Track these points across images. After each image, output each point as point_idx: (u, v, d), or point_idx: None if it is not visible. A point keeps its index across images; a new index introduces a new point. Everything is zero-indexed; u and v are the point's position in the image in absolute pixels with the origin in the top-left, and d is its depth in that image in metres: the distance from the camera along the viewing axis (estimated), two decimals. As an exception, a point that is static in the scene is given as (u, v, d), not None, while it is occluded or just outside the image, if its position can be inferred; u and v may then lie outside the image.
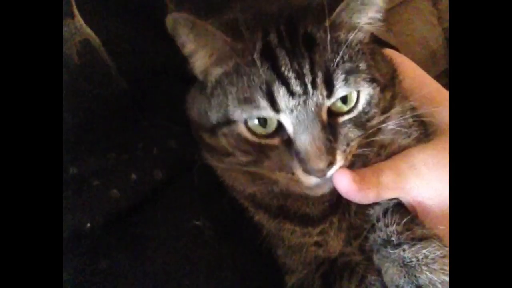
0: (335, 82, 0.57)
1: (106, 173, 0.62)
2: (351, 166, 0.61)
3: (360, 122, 0.60)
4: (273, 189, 0.65)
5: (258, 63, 0.57)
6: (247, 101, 0.57)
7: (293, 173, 0.59)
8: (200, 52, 0.60)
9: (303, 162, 0.57)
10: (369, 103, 0.60)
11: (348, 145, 0.59)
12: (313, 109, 0.57)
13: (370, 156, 0.63)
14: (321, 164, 0.57)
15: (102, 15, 0.65)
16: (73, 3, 0.61)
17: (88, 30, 0.62)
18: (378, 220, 0.63)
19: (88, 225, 0.59)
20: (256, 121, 0.58)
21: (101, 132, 0.63)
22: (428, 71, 0.80)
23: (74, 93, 0.61)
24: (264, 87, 0.56)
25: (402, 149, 0.65)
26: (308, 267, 0.68)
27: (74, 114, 0.61)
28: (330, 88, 0.57)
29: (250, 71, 0.57)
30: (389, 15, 0.71)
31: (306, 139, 0.57)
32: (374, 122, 0.61)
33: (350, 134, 0.59)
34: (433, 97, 0.68)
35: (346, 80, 0.57)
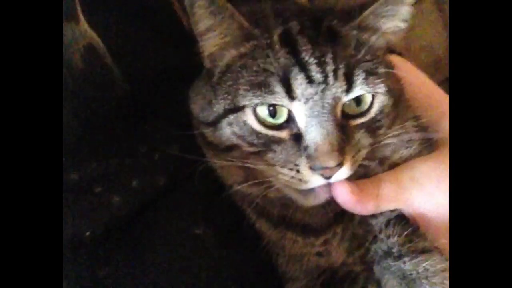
0: (355, 78, 0.57)
1: (107, 179, 0.62)
2: (352, 176, 0.61)
3: (371, 129, 0.60)
4: (266, 192, 0.63)
5: (277, 47, 0.56)
6: (260, 85, 0.56)
7: (297, 170, 0.57)
8: (215, 31, 0.59)
9: (311, 157, 0.56)
10: (381, 111, 0.60)
11: (358, 151, 0.59)
12: (330, 101, 0.56)
13: (371, 167, 0.64)
14: (331, 162, 0.56)
15: (107, 19, 0.65)
16: (78, 7, 0.61)
17: (92, 34, 0.63)
18: (380, 231, 0.63)
19: (88, 233, 0.59)
20: (265, 110, 0.57)
21: (103, 137, 0.63)
22: (431, 77, 0.80)
23: (77, 97, 0.61)
24: (280, 72, 0.55)
25: (404, 160, 0.65)
26: (309, 276, 0.69)
27: (76, 118, 0.61)
28: (349, 83, 0.56)
29: (267, 54, 0.56)
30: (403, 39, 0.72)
31: (318, 133, 0.56)
32: (382, 131, 0.61)
33: (362, 141, 0.59)
34: (437, 106, 0.69)
35: (366, 79, 0.57)
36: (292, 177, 0.58)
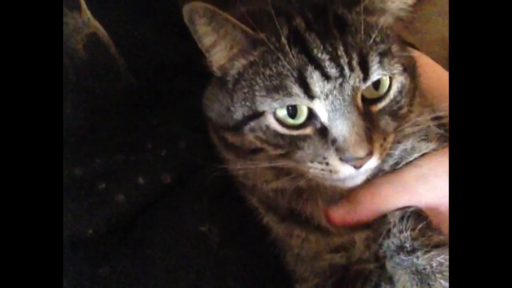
0: (370, 64, 0.56)
1: (112, 175, 0.61)
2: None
3: (393, 112, 0.60)
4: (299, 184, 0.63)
5: (287, 48, 0.56)
6: (277, 89, 0.56)
7: (327, 163, 0.57)
8: (221, 45, 0.59)
9: (340, 150, 0.56)
10: (400, 91, 0.60)
11: (385, 138, 0.58)
12: (349, 93, 0.56)
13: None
14: (361, 152, 0.55)
15: (111, 9, 0.65)
16: None
17: (96, 23, 0.62)
18: (394, 226, 0.62)
19: (90, 231, 0.58)
20: (285, 111, 0.57)
21: (108, 131, 0.62)
22: (446, 70, 0.78)
23: (80, 89, 0.61)
24: (295, 72, 0.55)
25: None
26: (320, 275, 0.67)
27: (79, 111, 0.60)
28: (365, 71, 0.56)
29: (278, 57, 0.56)
30: (412, 15, 0.70)
31: (344, 125, 0.55)
32: (404, 111, 0.61)
33: (387, 127, 0.59)
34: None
35: (381, 63, 0.57)
36: (323, 170, 0.58)
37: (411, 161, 0.64)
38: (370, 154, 0.56)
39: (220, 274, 0.63)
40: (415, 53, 0.74)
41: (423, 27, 0.86)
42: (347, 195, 0.64)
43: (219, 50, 0.59)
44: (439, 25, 1.12)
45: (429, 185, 0.61)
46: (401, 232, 0.61)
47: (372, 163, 0.57)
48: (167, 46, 0.68)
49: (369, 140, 0.55)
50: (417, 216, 0.62)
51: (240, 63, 0.59)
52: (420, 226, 0.60)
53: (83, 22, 0.61)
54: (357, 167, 0.57)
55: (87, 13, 0.61)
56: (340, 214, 0.62)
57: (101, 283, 0.57)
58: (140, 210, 0.62)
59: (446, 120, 0.67)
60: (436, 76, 0.74)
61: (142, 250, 0.60)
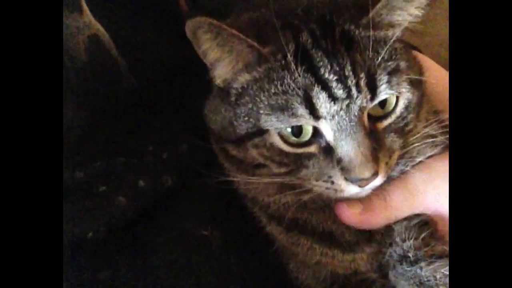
0: (378, 84, 0.55)
1: (113, 178, 0.61)
2: None
3: (399, 128, 0.58)
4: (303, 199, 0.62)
5: (293, 66, 0.54)
6: (282, 108, 0.54)
7: (332, 182, 0.56)
8: (225, 60, 0.57)
9: (345, 170, 0.55)
10: (406, 107, 0.58)
11: (390, 156, 0.57)
12: (356, 113, 0.54)
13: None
14: (367, 173, 0.54)
15: (112, 10, 0.64)
16: None
17: (97, 25, 0.62)
18: (397, 234, 0.61)
19: (90, 234, 0.58)
20: (289, 129, 0.56)
21: (109, 133, 0.62)
22: (451, 74, 0.77)
23: (81, 91, 0.60)
24: (301, 92, 0.53)
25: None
26: (323, 284, 0.67)
27: (80, 113, 0.60)
28: (373, 91, 0.55)
29: (284, 75, 0.54)
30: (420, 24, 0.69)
31: (350, 146, 0.54)
32: (411, 127, 0.60)
33: (393, 144, 0.58)
34: None
35: (389, 82, 0.55)
36: (327, 188, 0.57)
37: (418, 163, 0.62)
38: (375, 174, 0.55)
39: (222, 279, 0.62)
40: (419, 56, 0.73)
41: (427, 30, 0.85)
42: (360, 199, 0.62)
43: (224, 65, 0.58)
44: (443, 27, 1.11)
45: (437, 190, 0.60)
46: (403, 241, 0.60)
47: (377, 181, 0.56)
48: (168, 47, 0.67)
49: (375, 160, 0.55)
50: (420, 224, 0.61)
51: (244, 78, 0.58)
52: (423, 235, 0.59)
53: (84, 24, 0.60)
54: (362, 186, 0.56)
55: (88, 15, 0.61)
56: (351, 215, 0.60)
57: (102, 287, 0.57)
58: (141, 214, 0.61)
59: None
60: (440, 78, 0.73)
61: (143, 254, 0.60)
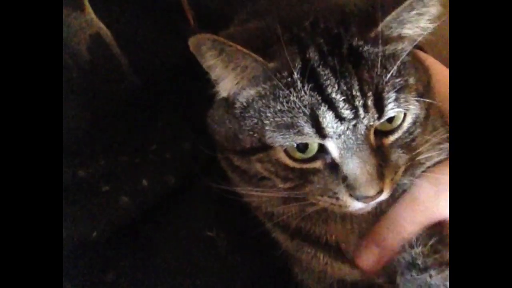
0: (385, 102, 0.53)
1: (116, 177, 0.60)
2: None
3: (405, 144, 0.57)
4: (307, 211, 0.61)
5: (299, 85, 0.52)
6: (288, 126, 0.53)
7: (337, 198, 0.56)
8: (230, 76, 0.56)
9: (351, 187, 0.54)
10: (414, 123, 0.57)
11: (395, 173, 0.56)
12: (362, 132, 0.53)
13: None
14: (372, 191, 0.54)
15: (115, 8, 0.63)
16: None
17: (99, 23, 0.61)
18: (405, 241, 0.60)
19: (95, 234, 0.57)
20: (294, 145, 0.55)
21: (112, 133, 0.62)
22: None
23: (83, 90, 0.59)
24: (307, 111, 0.52)
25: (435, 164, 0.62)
26: None
27: (83, 113, 0.59)
28: (380, 109, 0.53)
29: (290, 93, 0.53)
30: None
31: (355, 164, 0.53)
32: (417, 142, 0.58)
33: (399, 160, 0.57)
34: None
35: (396, 100, 0.54)
36: (332, 204, 0.56)
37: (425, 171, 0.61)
38: (380, 192, 0.54)
39: (228, 280, 0.62)
40: (424, 57, 0.72)
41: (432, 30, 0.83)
42: (371, 236, 0.62)
43: (229, 81, 0.56)
44: (446, 26, 1.10)
45: (445, 201, 0.58)
46: (412, 247, 0.59)
47: (382, 197, 0.56)
48: (171, 46, 0.66)
49: (380, 177, 0.54)
50: (428, 230, 0.60)
51: (249, 93, 0.56)
52: (432, 241, 0.58)
53: (86, 22, 0.59)
54: (367, 203, 0.55)
55: (90, 13, 0.60)
56: (369, 261, 0.60)
57: None
58: (145, 214, 0.61)
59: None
60: (446, 80, 0.72)
61: (149, 255, 0.60)
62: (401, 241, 0.59)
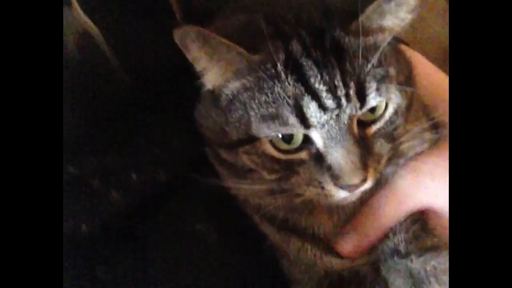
0: (367, 92, 0.55)
1: (106, 173, 0.61)
2: None
3: (388, 133, 0.59)
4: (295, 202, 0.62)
5: (283, 76, 0.54)
6: (273, 117, 0.55)
7: (322, 188, 0.57)
8: (214, 68, 0.57)
9: (335, 177, 0.56)
10: (396, 112, 0.59)
11: (379, 162, 0.58)
12: (345, 122, 0.55)
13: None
14: (356, 180, 0.55)
15: (103, 5, 0.64)
16: None
17: (88, 21, 0.61)
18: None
19: (84, 228, 0.57)
20: (279, 136, 0.56)
21: (103, 130, 0.62)
22: (440, 69, 0.78)
23: (74, 88, 0.59)
24: (291, 101, 0.54)
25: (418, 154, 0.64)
26: (316, 279, 0.67)
27: (73, 111, 0.59)
28: (362, 99, 0.55)
29: (274, 84, 0.54)
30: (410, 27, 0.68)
31: (339, 153, 0.55)
32: (400, 131, 0.60)
33: (382, 149, 0.58)
34: (447, 96, 0.66)
35: (378, 89, 0.55)
36: (318, 194, 0.58)
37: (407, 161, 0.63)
38: (364, 180, 0.56)
39: (219, 274, 0.63)
40: (405, 48, 0.73)
41: (416, 26, 0.85)
42: (351, 223, 0.63)
43: (213, 73, 0.58)
44: (431, 23, 1.12)
45: (426, 190, 0.61)
46: (394, 234, 0.61)
47: (366, 186, 0.57)
48: (161, 44, 0.66)
49: (364, 166, 0.55)
50: (411, 217, 0.62)
51: (234, 85, 0.58)
52: (414, 228, 0.60)
53: (73, 18, 0.59)
54: (351, 192, 0.57)
55: (77, 8, 0.60)
56: (348, 246, 0.62)
57: (100, 283, 0.57)
58: (136, 208, 0.61)
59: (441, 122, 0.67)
60: (429, 74, 0.74)
61: (140, 250, 0.60)
62: (381, 229, 0.61)
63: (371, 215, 0.62)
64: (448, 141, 0.63)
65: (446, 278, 0.55)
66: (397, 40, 0.65)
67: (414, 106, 0.64)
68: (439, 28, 1.12)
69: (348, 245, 0.62)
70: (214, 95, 0.60)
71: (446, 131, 0.64)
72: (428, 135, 0.64)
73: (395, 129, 0.59)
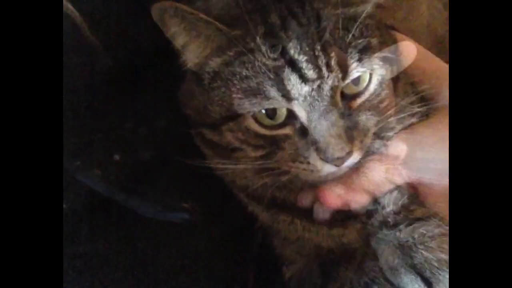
0: (349, 62, 0.55)
1: (88, 154, 0.61)
2: None
3: (374, 106, 0.58)
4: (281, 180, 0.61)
5: (263, 49, 0.54)
6: (254, 92, 0.54)
7: (308, 162, 0.56)
8: (194, 44, 0.57)
9: (320, 150, 0.55)
10: (380, 84, 0.58)
11: (366, 134, 0.57)
12: (328, 93, 0.54)
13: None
14: (341, 152, 0.55)
15: None
16: None
17: (68, 5, 0.61)
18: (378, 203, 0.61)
19: (65, 206, 0.57)
20: (263, 112, 0.56)
21: (87, 112, 0.62)
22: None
23: None
24: (272, 75, 0.54)
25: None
26: (307, 257, 0.67)
27: None
28: (344, 69, 0.55)
29: (254, 58, 0.54)
30: (393, 1, 0.68)
31: (323, 126, 0.54)
32: (386, 103, 0.60)
33: (368, 122, 0.58)
34: (434, 71, 0.66)
35: (360, 60, 0.55)
36: (304, 169, 0.57)
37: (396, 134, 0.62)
38: (350, 153, 0.55)
39: (206, 253, 0.62)
40: (398, 36, 0.73)
41: (409, 15, 0.85)
42: (341, 180, 0.62)
43: (193, 49, 0.58)
44: (424, 12, 1.11)
45: (416, 161, 0.59)
46: (383, 207, 0.60)
47: (353, 160, 0.56)
48: (142, 26, 0.67)
49: (349, 139, 0.55)
50: (400, 191, 0.61)
51: (215, 62, 0.58)
52: (402, 200, 0.59)
53: None
54: (338, 165, 0.56)
55: None
56: (335, 198, 0.60)
57: (81, 261, 0.56)
58: (119, 187, 0.61)
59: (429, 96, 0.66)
60: (418, 53, 0.73)
61: (124, 227, 0.60)
62: (366, 188, 0.60)
63: (359, 176, 0.60)
64: (440, 116, 0.62)
65: (434, 244, 0.54)
66: (386, 26, 0.65)
67: (402, 80, 0.63)
68: (432, 18, 1.11)
69: (331, 193, 0.60)
70: (197, 74, 0.60)
71: (434, 104, 0.63)
72: (416, 109, 0.63)
73: (381, 101, 0.59)
